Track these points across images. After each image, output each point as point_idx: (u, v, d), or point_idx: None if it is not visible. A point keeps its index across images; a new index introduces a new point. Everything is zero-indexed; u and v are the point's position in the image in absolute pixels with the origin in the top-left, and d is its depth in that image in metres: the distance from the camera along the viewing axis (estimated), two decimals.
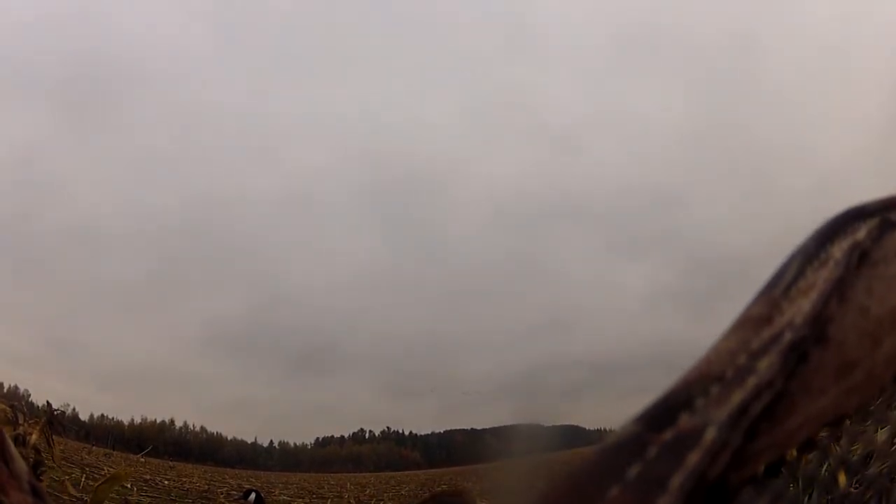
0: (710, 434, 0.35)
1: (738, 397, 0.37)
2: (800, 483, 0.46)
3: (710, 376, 0.39)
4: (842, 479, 0.52)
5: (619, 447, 0.36)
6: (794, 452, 0.41)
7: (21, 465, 0.46)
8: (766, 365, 0.39)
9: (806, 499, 0.50)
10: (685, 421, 0.36)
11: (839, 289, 0.44)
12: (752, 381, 0.38)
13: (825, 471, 0.49)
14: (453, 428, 44.15)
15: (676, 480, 0.33)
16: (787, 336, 0.41)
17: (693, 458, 0.34)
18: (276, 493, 21.70)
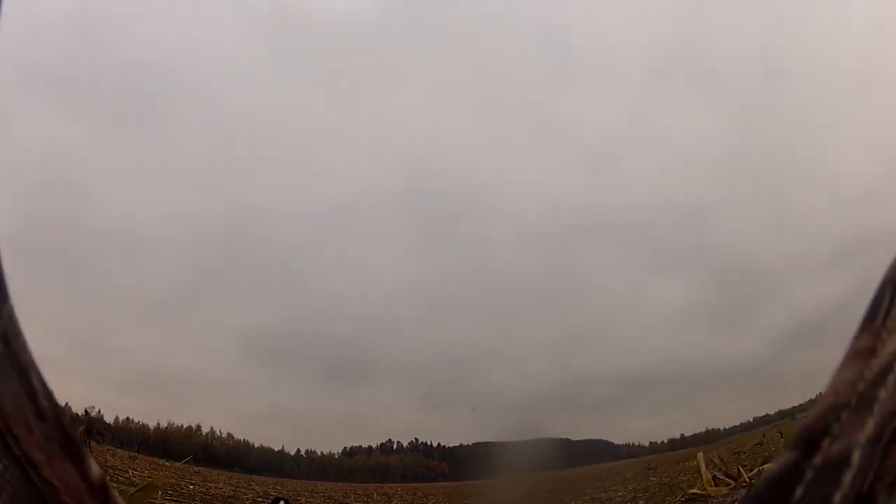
0: (857, 456, 0.45)
1: (871, 424, 0.46)
2: None
3: (838, 405, 0.48)
4: None
5: (782, 474, 0.46)
6: None
7: None
8: (887, 395, 0.48)
9: None
10: (829, 446, 0.46)
11: None
12: (877, 409, 0.47)
13: None
14: (482, 441, 43.80)
15: (838, 497, 0.42)
16: None
17: (848, 477, 0.43)
18: (303, 501, 21.65)
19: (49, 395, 0.48)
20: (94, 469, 0.46)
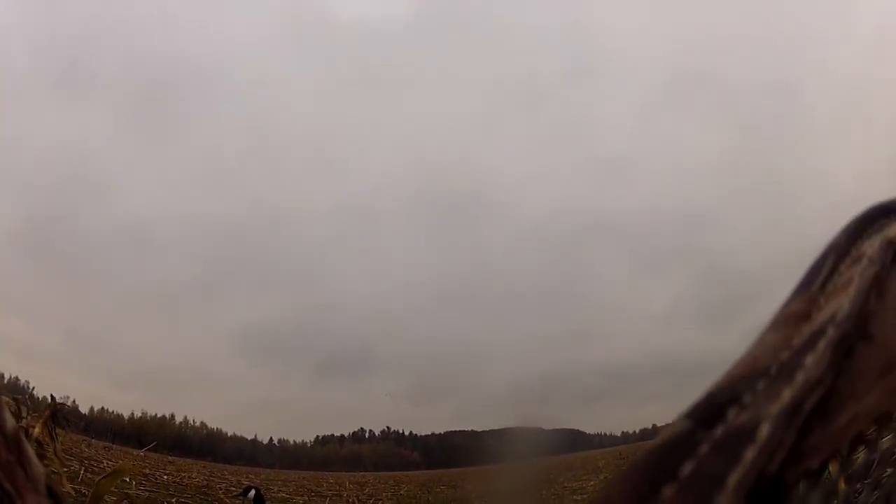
0: (765, 430, 0.34)
1: (788, 394, 0.36)
2: (851, 478, 0.44)
3: (755, 372, 0.38)
4: (890, 474, 0.52)
5: (669, 445, 0.34)
6: (846, 448, 0.40)
7: (39, 469, 0.44)
8: (813, 361, 0.38)
9: (858, 494, 0.49)
10: (735, 416, 0.35)
11: (877, 286, 0.43)
12: (800, 377, 0.37)
13: (874, 466, 0.48)
14: (453, 429, 44.16)
15: (734, 477, 0.31)
16: (832, 332, 0.40)
17: (750, 454, 0.32)
18: (276, 489, 21.71)
19: None
20: (10, 421, 0.45)
